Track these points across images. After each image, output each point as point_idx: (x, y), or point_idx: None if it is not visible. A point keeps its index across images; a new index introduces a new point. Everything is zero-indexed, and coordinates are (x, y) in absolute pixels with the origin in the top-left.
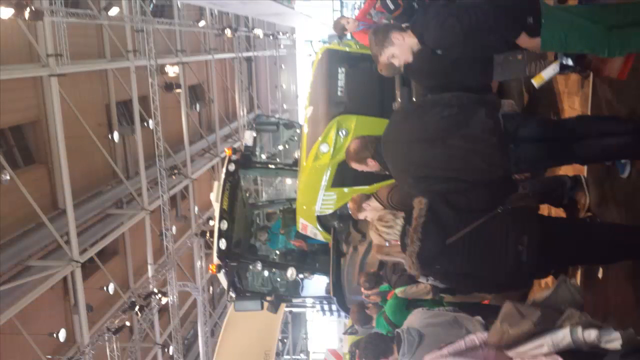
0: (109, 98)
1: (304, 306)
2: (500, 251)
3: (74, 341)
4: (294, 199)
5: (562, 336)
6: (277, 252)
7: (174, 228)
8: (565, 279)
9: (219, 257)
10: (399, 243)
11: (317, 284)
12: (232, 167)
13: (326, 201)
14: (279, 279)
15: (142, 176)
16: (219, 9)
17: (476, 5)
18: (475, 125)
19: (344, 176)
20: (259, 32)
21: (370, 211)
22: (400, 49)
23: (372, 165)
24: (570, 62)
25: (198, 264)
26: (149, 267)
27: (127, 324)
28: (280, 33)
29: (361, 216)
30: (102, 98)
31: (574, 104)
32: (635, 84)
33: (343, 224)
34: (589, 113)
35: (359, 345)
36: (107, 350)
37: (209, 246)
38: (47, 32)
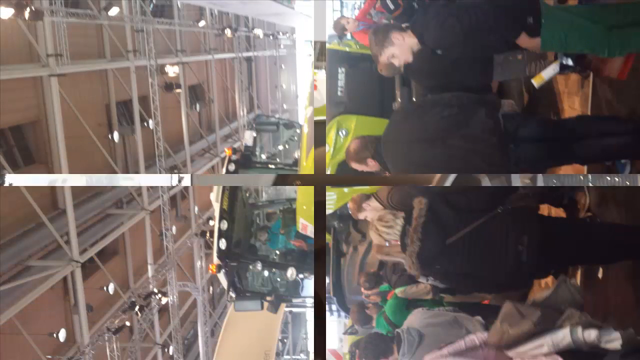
0: (109, 98)
1: (304, 306)
2: (500, 251)
3: (74, 341)
4: (294, 199)
5: (562, 336)
6: (277, 252)
7: (174, 228)
8: (565, 279)
9: (219, 257)
10: (399, 243)
11: None
12: (232, 167)
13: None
14: (279, 279)
15: None
16: (219, 9)
17: (476, 5)
18: (475, 125)
19: None
20: (259, 32)
21: (370, 211)
22: (400, 49)
23: (372, 165)
24: (570, 62)
25: (198, 264)
26: (149, 267)
27: (127, 324)
28: (280, 33)
29: (361, 216)
30: (102, 98)
31: (574, 104)
32: (635, 84)
33: (343, 224)
34: (589, 113)
35: (359, 345)
36: (107, 350)
37: (209, 246)
38: (47, 32)
